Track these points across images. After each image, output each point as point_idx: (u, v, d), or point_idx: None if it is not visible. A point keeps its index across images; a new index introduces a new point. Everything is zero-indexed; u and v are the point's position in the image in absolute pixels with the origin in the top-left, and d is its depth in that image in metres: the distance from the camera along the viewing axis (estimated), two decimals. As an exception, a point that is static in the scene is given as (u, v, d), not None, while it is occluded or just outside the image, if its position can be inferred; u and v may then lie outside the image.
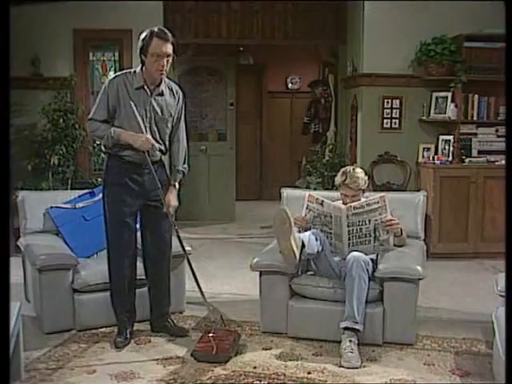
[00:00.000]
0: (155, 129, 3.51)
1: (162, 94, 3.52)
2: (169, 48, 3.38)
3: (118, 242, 3.58)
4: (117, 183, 3.51)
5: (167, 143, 3.63)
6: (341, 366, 3.27)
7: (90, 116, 3.51)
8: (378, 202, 3.59)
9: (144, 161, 3.47)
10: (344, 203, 3.74)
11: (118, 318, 3.68)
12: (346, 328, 3.42)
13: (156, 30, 3.40)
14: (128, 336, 3.62)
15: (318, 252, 3.58)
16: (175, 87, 3.63)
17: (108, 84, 3.46)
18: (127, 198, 3.51)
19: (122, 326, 3.65)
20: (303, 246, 3.50)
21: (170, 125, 3.59)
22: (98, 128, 3.45)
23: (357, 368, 3.25)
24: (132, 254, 3.64)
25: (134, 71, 3.51)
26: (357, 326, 3.40)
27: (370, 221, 3.60)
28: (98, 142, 6.39)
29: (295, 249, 3.40)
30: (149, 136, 3.43)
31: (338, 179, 3.78)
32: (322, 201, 3.65)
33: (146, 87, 3.46)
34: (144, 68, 3.46)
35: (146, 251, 3.70)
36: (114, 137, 3.40)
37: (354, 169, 3.81)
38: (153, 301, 3.76)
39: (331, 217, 3.62)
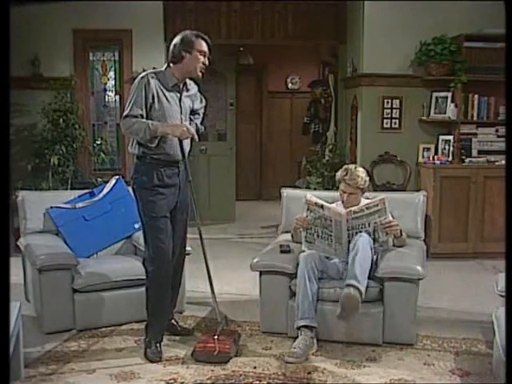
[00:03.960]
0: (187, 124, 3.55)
1: (187, 90, 3.58)
2: (207, 51, 3.47)
3: (162, 250, 3.44)
4: (156, 185, 3.44)
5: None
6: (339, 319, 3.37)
7: (125, 113, 3.39)
8: (377, 205, 3.59)
9: (176, 158, 3.48)
10: (342, 200, 3.79)
11: (158, 325, 3.51)
12: (349, 285, 3.37)
13: (195, 32, 3.46)
14: (159, 347, 3.45)
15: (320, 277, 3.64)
16: (192, 82, 3.66)
17: (144, 81, 3.39)
18: (166, 196, 3.48)
19: (159, 334, 3.50)
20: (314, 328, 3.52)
21: (192, 117, 3.67)
22: (135, 123, 3.34)
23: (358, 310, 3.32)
24: (172, 259, 3.53)
25: (162, 70, 3.49)
26: (360, 286, 3.36)
27: (369, 223, 3.60)
28: (98, 142, 6.41)
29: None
30: (188, 125, 3.46)
31: (339, 174, 3.83)
32: (322, 205, 3.66)
33: (178, 86, 3.49)
34: (178, 65, 3.44)
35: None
36: (152, 128, 3.32)
37: (355, 167, 3.85)
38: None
39: (331, 220, 3.62)
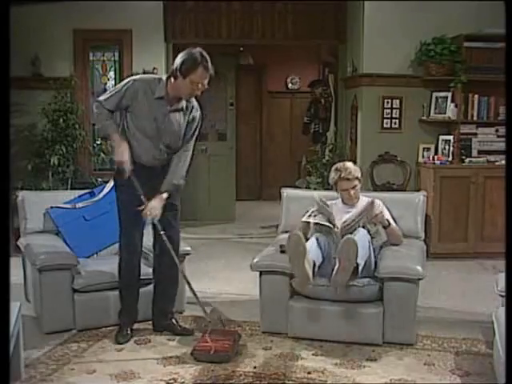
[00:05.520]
0: (167, 140, 3.51)
1: (181, 110, 3.51)
2: (207, 78, 3.37)
3: (128, 242, 3.62)
4: (130, 185, 3.47)
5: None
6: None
7: (101, 99, 3.48)
8: (367, 209, 3.69)
9: (154, 164, 3.53)
10: (345, 199, 3.86)
11: (122, 314, 3.71)
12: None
13: (200, 57, 3.32)
14: (129, 332, 3.66)
15: (322, 260, 3.62)
16: (195, 105, 3.59)
17: (130, 84, 3.42)
18: (139, 199, 3.49)
19: (123, 322, 3.68)
20: (314, 265, 3.52)
21: (181, 139, 3.57)
22: (102, 113, 3.45)
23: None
24: (139, 252, 3.70)
25: (160, 79, 3.46)
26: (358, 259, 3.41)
27: (359, 224, 3.69)
28: (98, 142, 6.42)
29: (309, 272, 3.42)
30: (156, 205, 3.46)
31: (334, 176, 3.89)
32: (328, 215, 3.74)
33: (166, 99, 3.44)
34: (172, 81, 3.41)
35: (161, 248, 3.64)
36: (111, 142, 3.48)
37: (343, 163, 3.96)
38: (159, 299, 3.77)
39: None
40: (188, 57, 3.33)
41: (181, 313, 4.09)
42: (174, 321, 3.79)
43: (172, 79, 3.40)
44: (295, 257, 3.42)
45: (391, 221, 3.83)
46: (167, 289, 3.76)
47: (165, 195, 3.51)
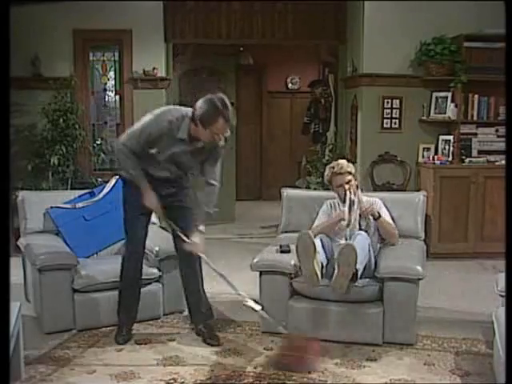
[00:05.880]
0: (179, 165, 3.55)
1: (200, 148, 3.48)
2: (228, 127, 3.36)
3: (132, 241, 3.64)
4: (137, 186, 3.49)
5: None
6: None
7: (123, 141, 3.42)
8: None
9: (169, 177, 3.57)
10: (343, 198, 3.85)
11: (120, 313, 3.71)
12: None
13: (222, 106, 3.28)
14: (128, 332, 3.67)
15: (327, 261, 3.64)
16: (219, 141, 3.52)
17: (157, 126, 3.37)
18: (146, 208, 3.54)
19: (122, 322, 3.69)
20: (322, 266, 3.54)
21: (196, 167, 3.59)
22: (129, 159, 3.42)
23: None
24: (142, 252, 3.70)
25: (185, 116, 3.38)
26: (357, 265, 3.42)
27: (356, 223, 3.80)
28: (98, 142, 6.43)
29: (318, 272, 3.43)
30: (198, 241, 3.47)
31: (328, 174, 3.95)
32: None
33: (187, 140, 3.42)
34: (193, 125, 3.35)
35: (180, 249, 3.63)
36: (142, 186, 3.45)
37: (337, 161, 4.01)
38: (190, 300, 3.78)
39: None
40: (209, 108, 3.28)
41: (181, 313, 4.09)
42: (202, 327, 3.71)
43: (193, 124, 3.36)
44: (304, 257, 3.42)
45: (382, 214, 3.84)
46: (193, 290, 3.75)
47: (202, 227, 3.52)
